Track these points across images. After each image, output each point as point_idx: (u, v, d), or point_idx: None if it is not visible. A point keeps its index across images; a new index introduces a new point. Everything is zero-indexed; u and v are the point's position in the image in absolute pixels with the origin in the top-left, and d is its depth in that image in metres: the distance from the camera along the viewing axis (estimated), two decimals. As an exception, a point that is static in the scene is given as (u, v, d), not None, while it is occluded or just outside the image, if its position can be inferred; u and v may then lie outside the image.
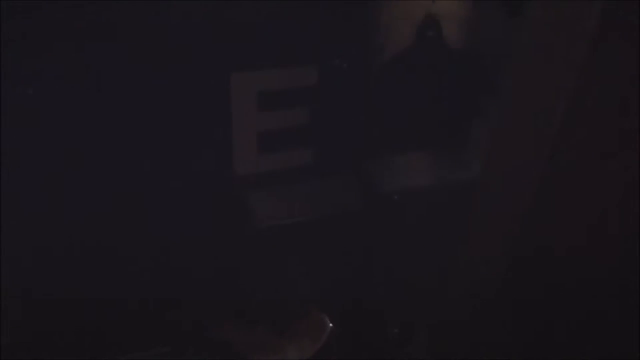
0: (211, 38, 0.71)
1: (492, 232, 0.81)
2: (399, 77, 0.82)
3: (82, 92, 0.68)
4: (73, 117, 0.69)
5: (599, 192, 0.70)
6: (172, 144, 0.75)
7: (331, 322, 0.80)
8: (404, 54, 0.80)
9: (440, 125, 0.88)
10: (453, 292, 0.88)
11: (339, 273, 0.89)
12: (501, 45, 0.79)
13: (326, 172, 0.86)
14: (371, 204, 0.84)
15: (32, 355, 0.79)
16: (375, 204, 0.84)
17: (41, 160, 0.69)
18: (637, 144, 0.66)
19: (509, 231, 0.78)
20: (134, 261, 0.81)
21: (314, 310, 0.80)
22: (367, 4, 0.76)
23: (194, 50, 0.71)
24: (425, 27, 0.78)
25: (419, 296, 0.97)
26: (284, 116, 0.79)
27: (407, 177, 0.86)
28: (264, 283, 0.84)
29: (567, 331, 0.80)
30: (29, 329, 0.80)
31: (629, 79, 0.62)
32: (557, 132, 0.69)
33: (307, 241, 0.83)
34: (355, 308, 0.94)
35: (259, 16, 0.71)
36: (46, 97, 0.66)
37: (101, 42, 0.65)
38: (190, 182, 0.79)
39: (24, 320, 0.79)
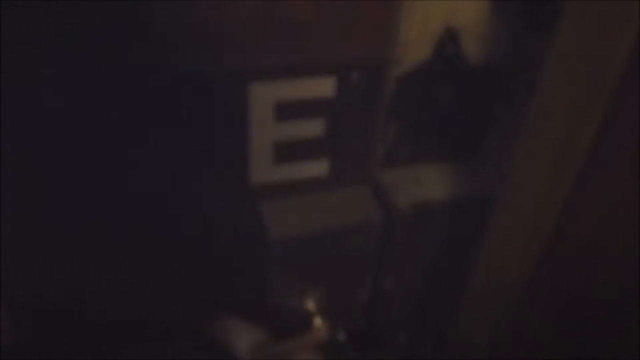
0: (231, 46, 0.70)
1: (510, 250, 0.81)
2: (416, 90, 0.81)
3: (93, 102, 0.67)
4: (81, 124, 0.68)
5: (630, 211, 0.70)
6: (187, 152, 0.75)
7: (340, 331, 0.80)
8: (422, 68, 0.80)
9: (458, 139, 0.88)
10: (467, 306, 0.88)
11: (352, 285, 0.89)
12: (523, 59, 0.79)
13: (341, 184, 0.85)
14: (386, 216, 0.83)
15: (32, 355, 0.78)
16: (390, 216, 0.83)
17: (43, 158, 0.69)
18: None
19: (528, 250, 0.78)
20: (139, 266, 0.80)
21: (317, 318, 0.80)
22: (386, 16, 0.75)
23: (213, 57, 0.70)
24: (444, 41, 0.78)
25: (431, 308, 0.97)
26: (301, 127, 0.79)
27: (424, 190, 0.85)
28: (275, 293, 0.83)
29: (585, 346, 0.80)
30: (29, 329, 0.79)
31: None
32: (586, 151, 0.68)
33: (321, 253, 0.82)
34: (366, 321, 0.93)
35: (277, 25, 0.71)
36: (52, 98, 0.65)
37: (112, 43, 0.64)
38: (204, 191, 0.78)
39: (23, 320, 0.78)
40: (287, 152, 0.80)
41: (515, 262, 0.80)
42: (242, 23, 0.69)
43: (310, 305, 0.86)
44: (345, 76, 0.77)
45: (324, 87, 0.77)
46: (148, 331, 0.83)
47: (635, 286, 0.77)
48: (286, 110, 0.76)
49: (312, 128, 0.79)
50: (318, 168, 0.84)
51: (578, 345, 0.86)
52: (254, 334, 0.71)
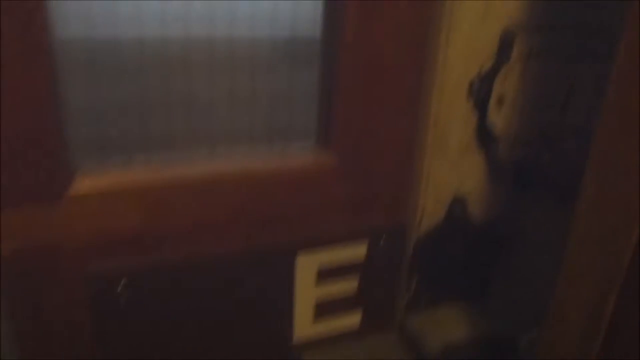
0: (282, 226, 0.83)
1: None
2: (432, 248, 0.95)
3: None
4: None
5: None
6: (240, 318, 0.85)
7: None
8: (436, 230, 0.94)
9: (469, 284, 1.01)
10: None
11: None
12: (516, 216, 0.95)
13: (370, 332, 0.96)
14: (418, 358, 0.93)
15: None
16: (422, 358, 0.93)
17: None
18: None
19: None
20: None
21: None
22: (405, 191, 0.91)
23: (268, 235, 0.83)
24: (453, 208, 0.94)
25: None
26: (337, 287, 0.90)
27: (447, 330, 0.96)
28: None
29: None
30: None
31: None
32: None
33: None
34: None
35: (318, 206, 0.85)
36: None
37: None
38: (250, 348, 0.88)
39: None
40: (325, 309, 0.91)
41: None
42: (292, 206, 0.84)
43: None
44: (374, 241, 0.90)
45: (357, 252, 0.90)
46: None
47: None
48: (325, 275, 0.89)
49: (347, 287, 0.91)
50: (351, 320, 0.95)
51: None
52: None
